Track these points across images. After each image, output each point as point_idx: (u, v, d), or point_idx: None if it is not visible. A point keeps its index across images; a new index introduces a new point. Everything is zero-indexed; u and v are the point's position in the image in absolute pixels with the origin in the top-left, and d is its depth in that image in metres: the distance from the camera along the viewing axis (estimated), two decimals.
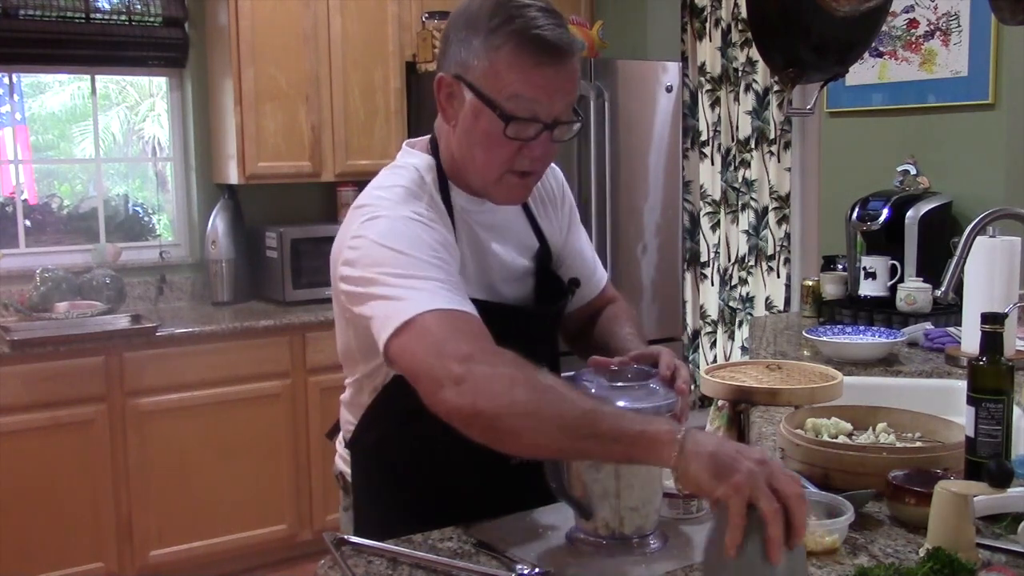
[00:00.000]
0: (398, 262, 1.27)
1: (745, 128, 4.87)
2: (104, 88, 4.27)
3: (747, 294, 5.00)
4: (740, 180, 4.93)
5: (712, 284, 5.15)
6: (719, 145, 5.00)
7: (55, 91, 4.36)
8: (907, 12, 3.51)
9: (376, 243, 1.30)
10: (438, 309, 1.22)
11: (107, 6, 3.93)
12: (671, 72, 4.23)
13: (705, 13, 4.94)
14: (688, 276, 5.07)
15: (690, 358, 5.19)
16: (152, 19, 3.99)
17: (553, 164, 1.53)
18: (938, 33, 3.43)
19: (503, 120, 1.31)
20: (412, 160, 1.46)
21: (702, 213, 5.12)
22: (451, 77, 1.37)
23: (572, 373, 1.33)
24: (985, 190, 3.24)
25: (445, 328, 1.20)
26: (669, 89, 4.20)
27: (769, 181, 4.78)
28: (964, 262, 2.07)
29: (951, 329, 2.62)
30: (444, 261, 1.30)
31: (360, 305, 1.30)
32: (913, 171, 3.26)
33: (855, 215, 3.13)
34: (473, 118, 1.35)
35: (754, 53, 4.60)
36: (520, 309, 1.51)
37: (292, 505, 3.76)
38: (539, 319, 1.56)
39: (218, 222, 4.04)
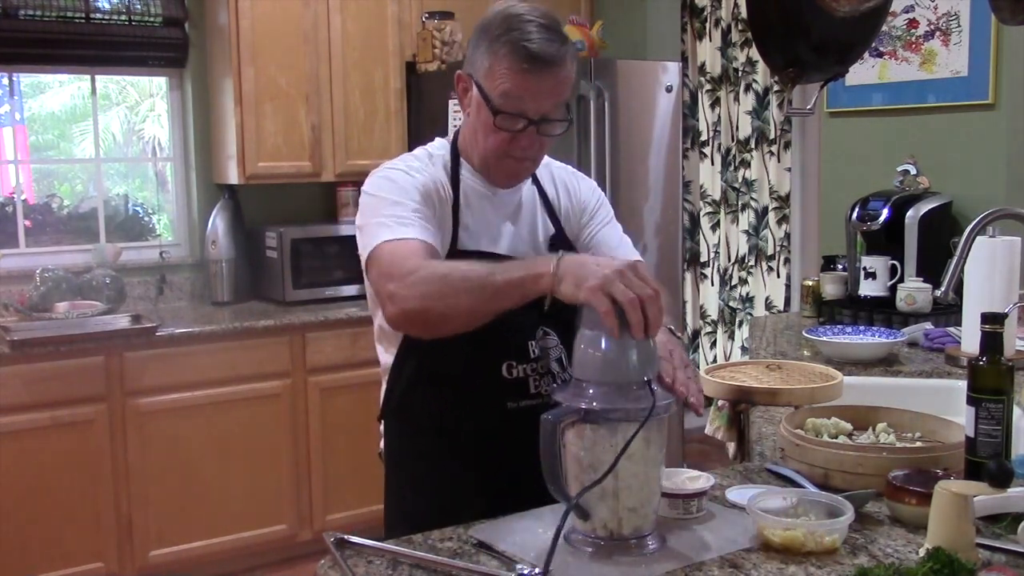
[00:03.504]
0: (375, 205, 1.58)
1: (745, 128, 4.87)
2: (104, 88, 4.28)
3: (747, 294, 5.00)
4: (740, 180, 4.93)
5: (712, 284, 5.15)
6: (719, 145, 5.00)
7: (55, 91, 4.36)
8: (907, 12, 3.51)
9: (365, 193, 1.63)
10: (387, 240, 1.51)
11: (107, 6, 3.93)
12: (671, 72, 4.23)
13: (705, 13, 4.95)
14: (688, 276, 5.08)
15: (690, 358, 5.19)
16: (152, 19, 3.99)
17: (588, 177, 1.85)
18: (938, 33, 3.43)
19: (492, 113, 1.56)
20: (427, 145, 1.74)
21: (702, 213, 5.13)
22: (465, 75, 1.63)
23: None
24: (985, 190, 3.24)
25: (389, 254, 1.50)
26: (669, 89, 4.20)
27: (769, 181, 4.78)
28: (964, 262, 2.07)
29: (951, 329, 2.62)
30: (411, 198, 1.58)
31: (360, 251, 1.61)
32: (913, 171, 3.26)
33: (855, 215, 3.13)
34: (477, 109, 1.61)
35: (754, 53, 4.60)
36: (510, 257, 1.65)
37: (292, 505, 3.76)
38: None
39: (218, 222, 4.05)
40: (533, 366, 1.64)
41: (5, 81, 4.03)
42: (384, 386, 1.73)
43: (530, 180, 1.73)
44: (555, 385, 1.66)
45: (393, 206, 1.56)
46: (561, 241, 1.73)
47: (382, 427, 1.80)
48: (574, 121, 1.63)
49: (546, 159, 1.78)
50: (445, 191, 1.64)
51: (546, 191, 1.75)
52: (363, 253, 1.56)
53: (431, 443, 1.69)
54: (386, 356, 1.72)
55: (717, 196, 5.05)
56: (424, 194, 1.60)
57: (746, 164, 4.89)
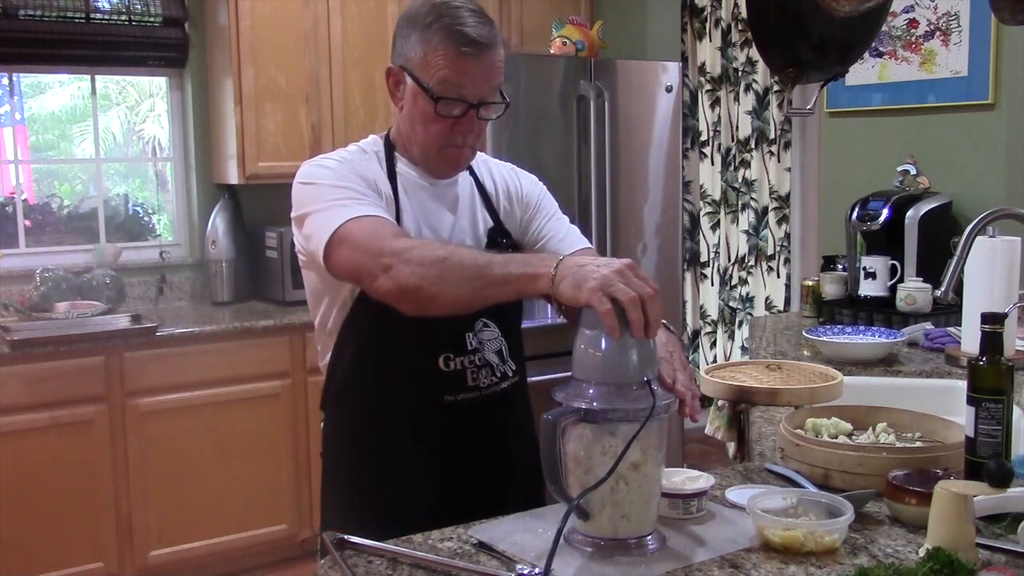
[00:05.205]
0: (318, 192, 1.55)
1: (745, 128, 4.87)
2: (104, 88, 4.28)
3: (747, 294, 5.00)
4: (740, 180, 4.94)
5: (712, 284, 5.15)
6: (719, 145, 5.00)
7: (55, 91, 4.36)
8: (907, 12, 3.51)
9: (302, 184, 1.59)
10: (355, 217, 1.48)
11: (107, 6, 3.93)
12: (671, 72, 4.23)
13: (705, 13, 4.95)
14: (688, 276, 5.08)
15: (690, 358, 5.19)
16: (152, 19, 3.99)
17: (528, 173, 1.83)
18: (938, 33, 3.43)
19: (433, 100, 1.56)
20: (359, 142, 1.73)
21: (702, 213, 5.13)
22: (396, 68, 1.63)
23: (570, 373, 1.34)
24: (985, 190, 3.24)
25: (366, 231, 1.46)
26: (669, 89, 4.20)
27: (769, 181, 4.78)
28: (964, 262, 2.07)
29: (951, 329, 2.62)
30: (356, 183, 1.55)
31: (304, 240, 1.56)
32: (913, 171, 3.26)
33: (855, 215, 3.13)
34: (413, 101, 1.60)
35: (754, 53, 4.60)
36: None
37: (292, 505, 3.76)
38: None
39: (218, 222, 4.05)
40: (470, 358, 1.63)
41: (5, 81, 4.03)
42: (325, 376, 1.71)
43: (467, 172, 1.73)
44: (494, 378, 1.65)
45: (342, 190, 1.54)
46: (500, 233, 1.74)
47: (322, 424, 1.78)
48: (510, 104, 1.64)
49: (485, 157, 1.79)
50: (382, 183, 1.62)
51: (484, 184, 1.75)
52: (320, 237, 1.49)
53: (370, 437, 1.66)
54: (328, 347, 1.70)
55: (717, 196, 5.05)
56: (365, 180, 1.58)
57: (746, 164, 4.89)
